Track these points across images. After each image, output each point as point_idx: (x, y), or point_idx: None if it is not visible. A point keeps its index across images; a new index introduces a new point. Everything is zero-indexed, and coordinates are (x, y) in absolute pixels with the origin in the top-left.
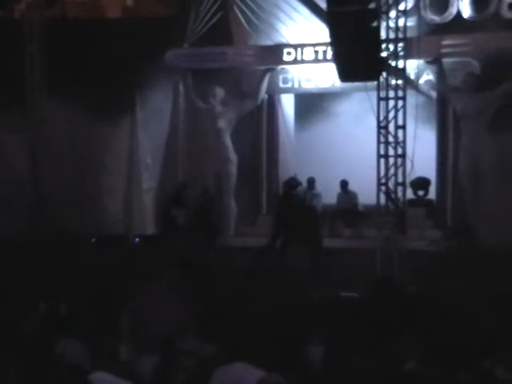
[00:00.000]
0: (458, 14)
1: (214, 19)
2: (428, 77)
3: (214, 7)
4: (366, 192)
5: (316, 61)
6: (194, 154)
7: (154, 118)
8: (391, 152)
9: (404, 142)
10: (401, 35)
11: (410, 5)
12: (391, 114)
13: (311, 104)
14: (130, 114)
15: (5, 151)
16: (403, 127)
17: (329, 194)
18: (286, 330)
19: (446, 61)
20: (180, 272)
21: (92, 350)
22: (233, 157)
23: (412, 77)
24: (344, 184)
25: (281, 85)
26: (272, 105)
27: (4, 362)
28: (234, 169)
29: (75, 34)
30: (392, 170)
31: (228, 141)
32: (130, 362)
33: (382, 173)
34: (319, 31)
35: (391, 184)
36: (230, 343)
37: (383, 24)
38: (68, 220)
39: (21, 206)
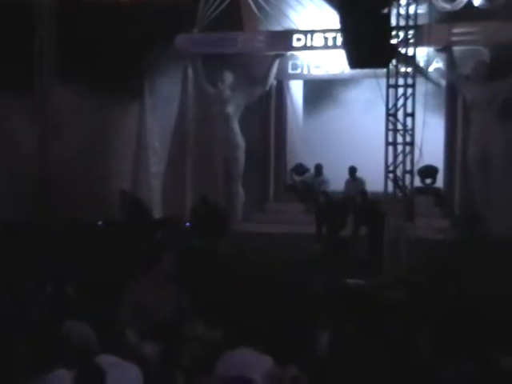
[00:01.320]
0: (469, 1)
1: (224, 4)
2: (438, 65)
3: None
4: (374, 179)
5: (325, 47)
6: (202, 139)
7: (163, 103)
8: (399, 140)
9: (413, 129)
10: (411, 22)
11: None
12: (400, 102)
13: (320, 91)
14: (139, 98)
15: (14, 135)
16: (412, 115)
17: (337, 181)
18: (292, 315)
19: (456, 49)
20: (181, 257)
21: (99, 332)
22: (241, 142)
23: (422, 64)
24: (352, 170)
25: (290, 71)
26: (281, 91)
27: (13, 342)
28: (241, 155)
29: (86, 17)
30: (400, 158)
31: (236, 126)
32: (136, 345)
33: (390, 160)
34: (329, 17)
35: (399, 172)
36: (236, 328)
37: (394, 11)
38: (76, 204)
39: (29, 190)
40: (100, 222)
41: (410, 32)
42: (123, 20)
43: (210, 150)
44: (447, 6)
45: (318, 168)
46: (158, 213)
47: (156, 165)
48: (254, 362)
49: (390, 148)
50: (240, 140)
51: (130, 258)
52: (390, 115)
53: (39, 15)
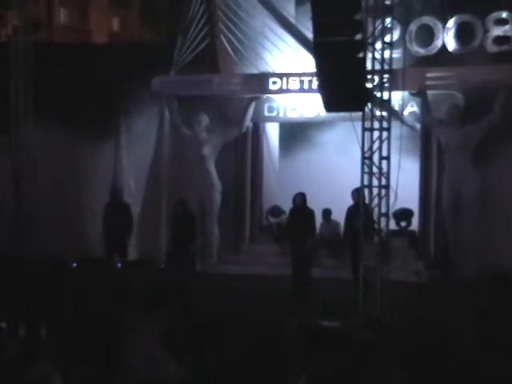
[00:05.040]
0: (443, 46)
1: (201, 47)
2: (412, 108)
3: (201, 35)
4: None
5: (301, 90)
6: (178, 180)
7: (139, 143)
8: (375, 182)
9: (388, 172)
10: (386, 67)
11: (395, 37)
12: (376, 145)
13: (296, 133)
14: (114, 138)
15: None
16: (387, 158)
17: None
18: (266, 358)
19: (430, 93)
20: (156, 299)
21: (71, 377)
22: (217, 184)
23: (397, 108)
24: (327, 213)
25: (266, 113)
26: (257, 133)
27: None
28: (217, 196)
29: (61, 58)
30: (375, 201)
31: (212, 168)
32: None
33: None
34: (305, 61)
35: (374, 215)
36: (209, 370)
37: (369, 55)
38: (50, 243)
39: (2, 229)
40: (74, 264)
41: (385, 76)
42: (98, 61)
43: (186, 191)
44: (421, 51)
45: None
46: (132, 253)
47: (131, 205)
48: None
49: (366, 191)
50: (216, 181)
51: (105, 299)
52: (366, 158)
53: (15, 56)
